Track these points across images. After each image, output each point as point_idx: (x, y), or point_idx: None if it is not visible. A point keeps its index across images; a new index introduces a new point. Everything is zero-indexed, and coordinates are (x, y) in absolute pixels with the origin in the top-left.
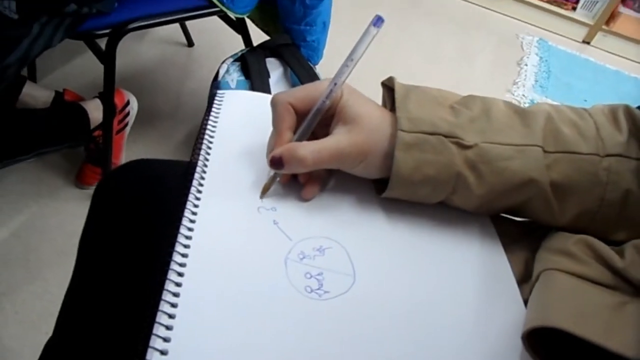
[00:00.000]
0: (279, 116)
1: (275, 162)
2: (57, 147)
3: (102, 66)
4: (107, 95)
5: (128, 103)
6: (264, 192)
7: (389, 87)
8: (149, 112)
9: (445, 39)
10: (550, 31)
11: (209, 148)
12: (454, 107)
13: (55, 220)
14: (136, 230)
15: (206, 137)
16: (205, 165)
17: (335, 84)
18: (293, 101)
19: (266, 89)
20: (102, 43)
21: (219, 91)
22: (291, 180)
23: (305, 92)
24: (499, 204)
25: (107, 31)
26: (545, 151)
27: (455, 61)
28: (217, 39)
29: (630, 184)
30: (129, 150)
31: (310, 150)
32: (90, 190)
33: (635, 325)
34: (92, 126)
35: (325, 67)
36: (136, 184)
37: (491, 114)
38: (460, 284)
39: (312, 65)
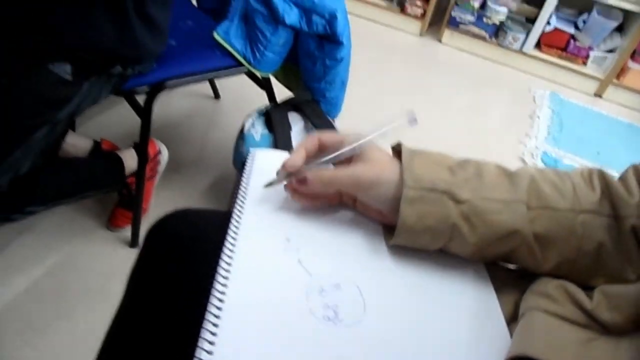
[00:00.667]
0: (305, 140)
1: (301, 181)
2: (95, 193)
3: (134, 116)
4: (142, 147)
5: (159, 152)
6: (268, 186)
7: (397, 150)
8: (176, 159)
9: (459, 92)
10: (562, 85)
11: (243, 200)
12: (452, 168)
13: (87, 260)
14: (181, 271)
15: (240, 190)
16: (239, 215)
17: (361, 141)
18: (323, 137)
19: (288, 142)
20: (139, 97)
21: (250, 149)
22: (311, 225)
23: (332, 137)
24: (490, 251)
25: (146, 89)
26: (528, 207)
27: (469, 114)
28: (241, 93)
29: (602, 237)
30: (156, 195)
31: (331, 172)
32: (120, 233)
33: (600, 358)
34: (126, 173)
35: (343, 120)
36: (181, 231)
37: (483, 175)
38: (454, 320)
39: (331, 119)
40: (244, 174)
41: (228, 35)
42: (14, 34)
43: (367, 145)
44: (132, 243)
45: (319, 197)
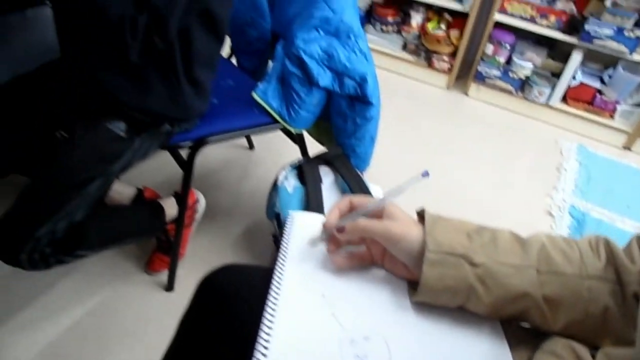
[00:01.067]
0: (339, 202)
1: (340, 230)
2: (137, 238)
3: (174, 165)
4: (184, 197)
5: (197, 201)
6: (313, 244)
7: (421, 215)
8: (212, 206)
9: (486, 144)
10: (590, 137)
11: (284, 260)
12: (470, 234)
13: (125, 302)
14: (227, 323)
15: (281, 250)
16: (281, 273)
17: (384, 199)
18: (354, 199)
19: (319, 194)
20: (181, 150)
21: (289, 212)
22: (344, 283)
23: (361, 198)
24: (504, 311)
25: (190, 144)
26: (538, 272)
27: (496, 166)
28: (275, 144)
29: (608, 302)
30: (193, 240)
31: (366, 221)
32: (157, 277)
33: None
34: (166, 221)
35: (371, 172)
36: (228, 285)
37: (497, 241)
38: None
39: (359, 173)
40: (284, 235)
41: (266, 95)
42: (78, 96)
43: (391, 206)
44: (169, 287)
45: (353, 257)
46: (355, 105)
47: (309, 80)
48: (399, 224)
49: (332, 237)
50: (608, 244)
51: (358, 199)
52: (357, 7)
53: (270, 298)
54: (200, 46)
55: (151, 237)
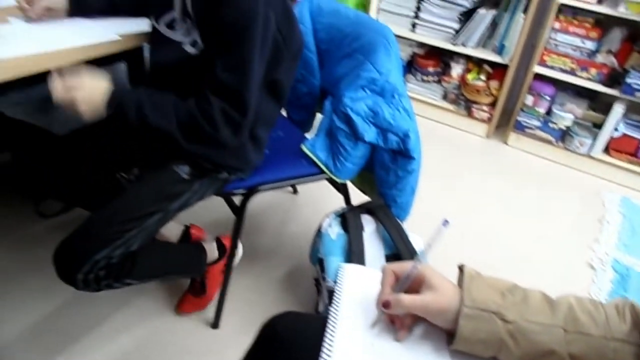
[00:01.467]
0: (385, 277)
1: (385, 305)
2: (178, 276)
3: (222, 205)
4: (234, 240)
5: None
6: (373, 325)
7: (461, 268)
8: (254, 247)
9: (525, 194)
10: (634, 189)
11: (336, 311)
12: (503, 293)
13: (171, 337)
14: None
15: (334, 301)
16: (334, 323)
17: (417, 263)
18: (394, 268)
19: (360, 242)
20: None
21: (340, 264)
22: (390, 333)
23: (401, 265)
24: None
25: (242, 191)
26: (565, 331)
27: (536, 216)
28: (318, 190)
29: None
30: (235, 281)
31: (408, 299)
32: (203, 313)
33: None
34: (207, 263)
35: (412, 222)
36: (287, 331)
37: (529, 301)
38: None
39: (400, 222)
40: (336, 288)
41: (314, 148)
42: (151, 141)
43: (428, 270)
44: (214, 324)
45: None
46: (397, 159)
47: (355, 135)
48: (437, 298)
49: (386, 317)
50: (634, 308)
51: (398, 267)
52: (402, 68)
53: (325, 346)
54: (264, 109)
55: (191, 276)
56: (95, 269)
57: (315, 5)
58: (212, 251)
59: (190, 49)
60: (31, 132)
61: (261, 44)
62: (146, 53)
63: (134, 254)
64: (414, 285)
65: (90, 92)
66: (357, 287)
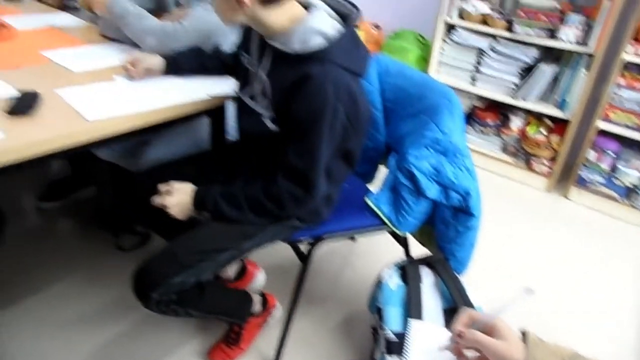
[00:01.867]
0: (462, 315)
1: (459, 335)
2: (226, 318)
3: (281, 249)
4: (298, 286)
5: (275, 307)
6: (441, 349)
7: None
8: (312, 292)
9: (586, 251)
10: None
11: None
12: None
13: None
14: None
15: (404, 354)
16: None
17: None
18: (472, 312)
19: (418, 295)
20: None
21: (409, 319)
22: None
23: (478, 314)
24: None
25: (310, 240)
26: None
27: (597, 275)
28: (375, 240)
29: None
30: (294, 324)
31: (481, 335)
32: (264, 351)
33: None
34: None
35: (470, 276)
36: None
37: None
38: None
39: (458, 276)
40: (405, 341)
41: (378, 201)
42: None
43: (501, 322)
44: None
45: None
46: (458, 216)
47: (418, 192)
48: (505, 345)
49: (456, 347)
50: None
51: (475, 313)
52: (465, 129)
53: None
54: (337, 173)
55: (234, 322)
56: (169, 291)
57: (383, 66)
58: (257, 304)
59: (270, 125)
60: (115, 170)
61: (330, 134)
62: (228, 111)
63: (203, 286)
64: (484, 331)
65: (179, 197)
66: (425, 342)
